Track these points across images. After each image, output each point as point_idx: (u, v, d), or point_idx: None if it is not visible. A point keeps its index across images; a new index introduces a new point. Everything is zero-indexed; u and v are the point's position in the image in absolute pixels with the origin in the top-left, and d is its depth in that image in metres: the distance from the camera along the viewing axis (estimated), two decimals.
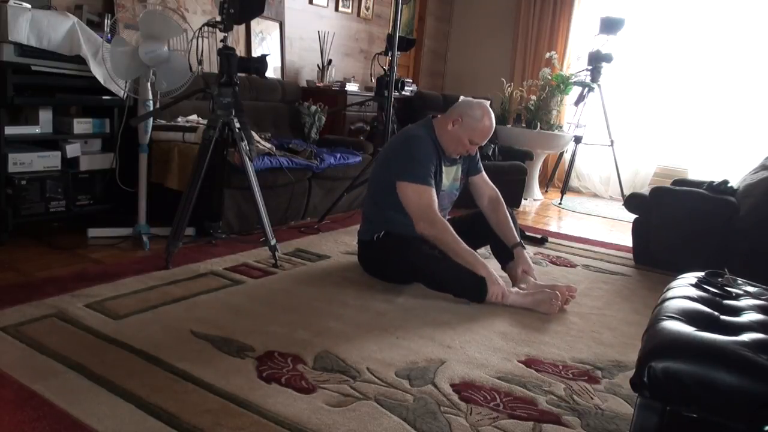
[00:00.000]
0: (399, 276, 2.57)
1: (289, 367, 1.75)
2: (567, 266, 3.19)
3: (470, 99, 2.69)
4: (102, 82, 2.78)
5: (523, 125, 5.35)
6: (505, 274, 2.68)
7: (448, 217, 2.76)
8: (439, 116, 2.62)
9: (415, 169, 2.44)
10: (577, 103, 5.22)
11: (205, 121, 3.03)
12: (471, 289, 2.39)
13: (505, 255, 2.69)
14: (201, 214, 2.91)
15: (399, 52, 3.74)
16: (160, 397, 1.53)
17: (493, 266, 2.73)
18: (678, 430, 1.20)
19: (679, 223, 3.08)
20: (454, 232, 2.42)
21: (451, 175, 2.66)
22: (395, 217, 2.53)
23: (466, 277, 2.38)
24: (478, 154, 2.75)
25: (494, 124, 2.54)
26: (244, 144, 2.65)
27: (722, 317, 1.41)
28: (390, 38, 3.73)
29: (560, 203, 5.21)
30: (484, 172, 2.79)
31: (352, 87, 4.70)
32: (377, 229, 2.59)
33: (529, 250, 3.38)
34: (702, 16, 5.37)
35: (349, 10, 5.29)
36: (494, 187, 2.76)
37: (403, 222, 2.50)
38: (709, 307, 1.47)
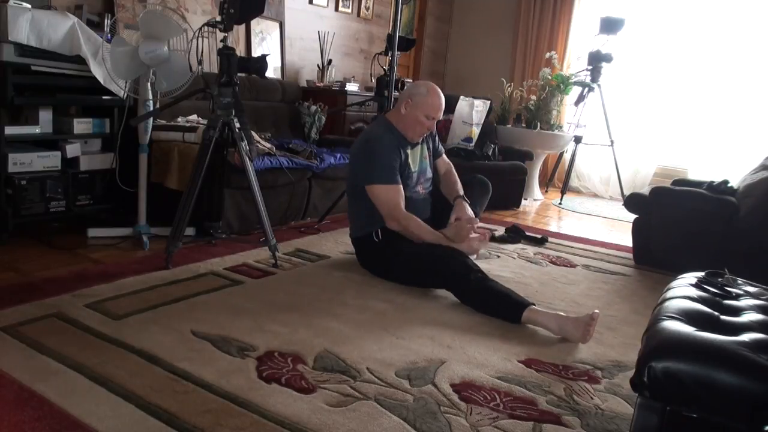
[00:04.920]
0: (413, 280, 2.55)
1: (289, 367, 1.75)
2: (567, 266, 3.19)
3: (415, 82, 2.83)
4: (102, 82, 2.78)
5: (523, 125, 5.34)
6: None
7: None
8: (389, 112, 2.80)
9: (377, 170, 2.57)
10: (577, 103, 5.22)
11: (205, 121, 3.03)
12: (508, 309, 2.26)
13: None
14: (201, 214, 2.91)
15: (399, 52, 3.74)
16: (160, 397, 1.53)
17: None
18: (678, 430, 1.20)
19: (679, 223, 3.08)
20: (418, 221, 2.58)
21: (417, 156, 2.77)
22: (374, 210, 2.62)
23: (507, 299, 2.28)
24: (438, 138, 2.95)
25: (441, 96, 2.66)
26: (244, 144, 2.65)
27: (722, 317, 1.41)
28: (390, 38, 3.73)
29: (560, 203, 5.21)
30: (444, 155, 3.01)
31: (352, 87, 4.70)
32: (368, 224, 2.64)
33: (529, 250, 3.41)
34: (702, 16, 5.36)
35: (349, 10, 5.29)
36: (449, 162, 3.00)
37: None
38: (709, 307, 1.47)
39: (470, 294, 2.34)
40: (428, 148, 2.86)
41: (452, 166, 2.99)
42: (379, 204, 2.59)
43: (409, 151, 2.71)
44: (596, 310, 2.14)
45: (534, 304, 2.24)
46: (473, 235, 2.60)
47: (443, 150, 3.02)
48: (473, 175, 3.05)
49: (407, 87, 2.79)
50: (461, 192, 2.80)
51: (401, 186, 2.61)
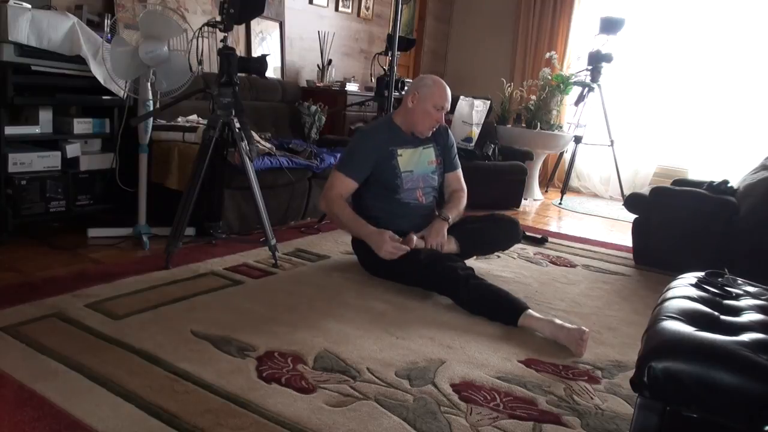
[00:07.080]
0: (412, 281, 2.54)
1: (289, 367, 1.75)
2: (567, 266, 3.19)
3: (418, 76, 2.83)
4: (102, 82, 2.78)
5: (523, 125, 5.35)
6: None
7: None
8: (394, 111, 2.81)
9: (346, 160, 2.68)
10: (577, 103, 5.22)
11: (205, 121, 3.03)
12: (505, 313, 2.25)
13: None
14: (201, 214, 2.91)
15: (399, 52, 3.74)
16: (160, 397, 1.53)
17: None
18: (678, 430, 1.20)
19: (679, 223, 3.08)
20: (349, 213, 2.59)
21: (417, 157, 2.70)
22: (371, 204, 2.67)
23: (504, 302, 2.27)
24: (455, 152, 2.87)
25: (447, 86, 2.66)
26: (244, 144, 2.65)
27: (722, 317, 1.41)
28: (390, 38, 3.73)
29: (560, 203, 5.21)
30: (459, 170, 2.87)
31: (352, 87, 4.71)
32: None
33: (529, 250, 3.41)
34: (702, 16, 5.36)
35: (349, 10, 5.29)
36: (464, 186, 2.86)
37: (377, 206, 2.65)
38: (709, 307, 1.47)
39: (467, 299, 2.33)
40: (438, 154, 2.76)
41: (464, 192, 2.82)
42: (326, 184, 2.68)
43: (403, 150, 2.66)
44: (585, 328, 2.06)
45: (529, 308, 2.21)
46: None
47: (459, 165, 2.87)
48: (509, 217, 2.86)
49: (412, 82, 2.78)
50: (450, 216, 2.67)
51: (356, 184, 2.62)
